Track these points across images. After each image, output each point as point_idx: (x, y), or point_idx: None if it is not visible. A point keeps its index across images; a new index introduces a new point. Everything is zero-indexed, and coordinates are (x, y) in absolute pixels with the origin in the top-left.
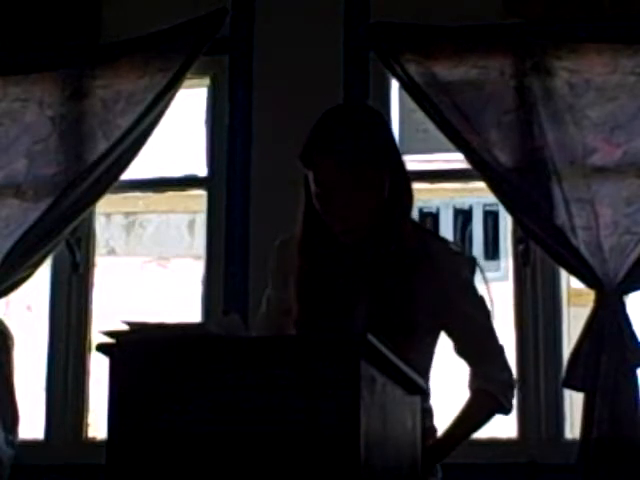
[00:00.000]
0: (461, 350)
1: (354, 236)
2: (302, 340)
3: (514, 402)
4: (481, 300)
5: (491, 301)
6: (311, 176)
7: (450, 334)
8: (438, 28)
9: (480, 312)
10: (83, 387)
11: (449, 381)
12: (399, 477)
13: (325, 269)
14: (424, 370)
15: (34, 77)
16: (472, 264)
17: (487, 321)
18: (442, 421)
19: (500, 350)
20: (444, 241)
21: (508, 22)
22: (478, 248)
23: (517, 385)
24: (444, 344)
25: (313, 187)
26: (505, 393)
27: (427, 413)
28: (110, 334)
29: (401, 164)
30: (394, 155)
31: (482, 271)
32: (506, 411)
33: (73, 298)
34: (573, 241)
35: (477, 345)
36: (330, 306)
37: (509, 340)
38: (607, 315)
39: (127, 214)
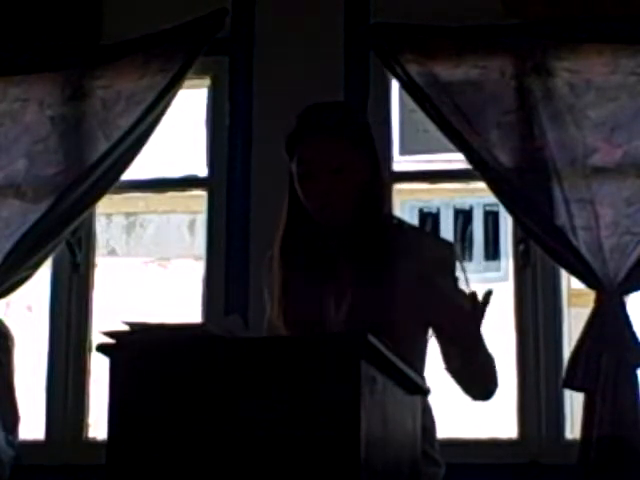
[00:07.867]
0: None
1: (335, 220)
2: (302, 340)
3: (515, 401)
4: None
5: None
6: (294, 163)
7: (435, 329)
8: (438, 28)
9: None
10: (83, 387)
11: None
12: (399, 477)
13: (307, 260)
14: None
15: (34, 77)
16: (454, 252)
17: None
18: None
19: None
20: (426, 233)
21: (508, 22)
22: (478, 248)
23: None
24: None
25: (295, 170)
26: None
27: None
28: (110, 334)
29: (376, 155)
30: (371, 143)
31: (461, 261)
32: (492, 391)
33: (73, 298)
34: (573, 241)
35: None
36: (309, 296)
37: (509, 340)
38: (607, 315)
39: (127, 214)
